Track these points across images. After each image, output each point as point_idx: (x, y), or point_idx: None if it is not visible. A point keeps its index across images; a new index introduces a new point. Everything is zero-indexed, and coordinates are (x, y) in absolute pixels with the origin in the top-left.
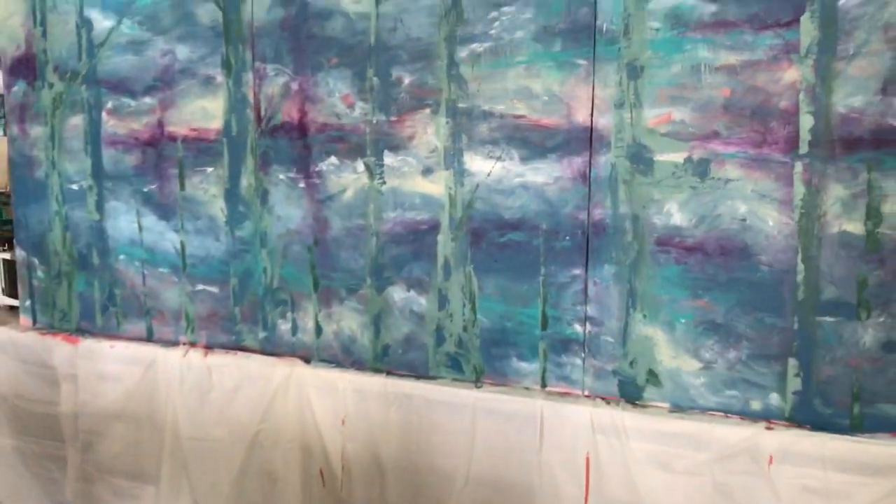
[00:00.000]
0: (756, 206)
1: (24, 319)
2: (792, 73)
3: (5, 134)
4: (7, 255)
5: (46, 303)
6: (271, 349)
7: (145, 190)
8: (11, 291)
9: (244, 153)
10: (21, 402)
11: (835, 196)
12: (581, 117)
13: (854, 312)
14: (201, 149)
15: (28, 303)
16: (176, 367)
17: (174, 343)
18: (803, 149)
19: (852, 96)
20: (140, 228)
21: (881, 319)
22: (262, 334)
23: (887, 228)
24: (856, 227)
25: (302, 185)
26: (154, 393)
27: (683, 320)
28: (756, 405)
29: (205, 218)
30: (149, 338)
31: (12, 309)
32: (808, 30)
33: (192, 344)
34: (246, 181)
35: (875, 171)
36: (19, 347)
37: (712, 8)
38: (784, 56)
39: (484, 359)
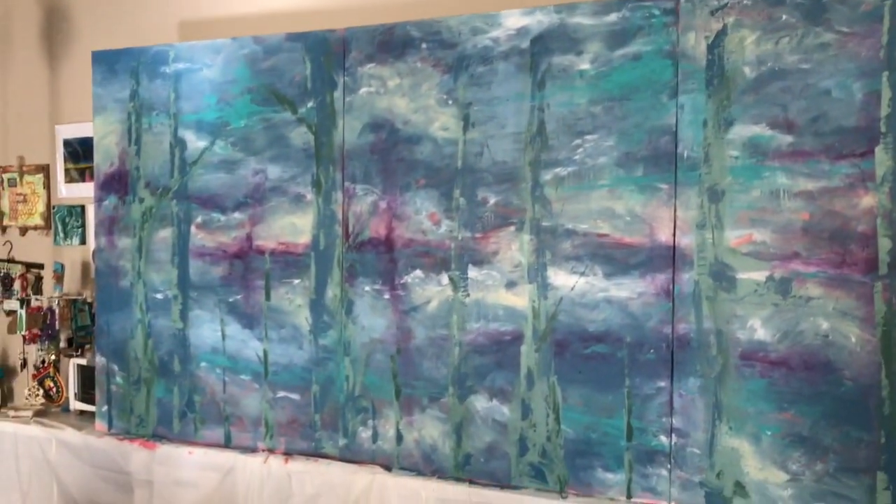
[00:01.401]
0: (838, 324)
1: (100, 424)
2: (868, 200)
3: (82, 243)
4: (81, 361)
5: (124, 408)
6: (351, 457)
7: (230, 300)
8: (84, 396)
9: (331, 266)
10: None
11: None
12: (664, 237)
13: None
14: (289, 261)
15: (105, 408)
16: (256, 473)
17: (252, 449)
18: (882, 269)
19: None
20: (223, 337)
21: None
22: (342, 441)
23: None
24: None
25: (387, 296)
26: (232, 499)
27: (769, 433)
28: None
29: (289, 327)
30: (226, 444)
31: (83, 413)
32: (882, 160)
33: (271, 450)
34: (331, 292)
35: None
36: (94, 452)
37: (789, 139)
38: (860, 184)
39: (568, 469)
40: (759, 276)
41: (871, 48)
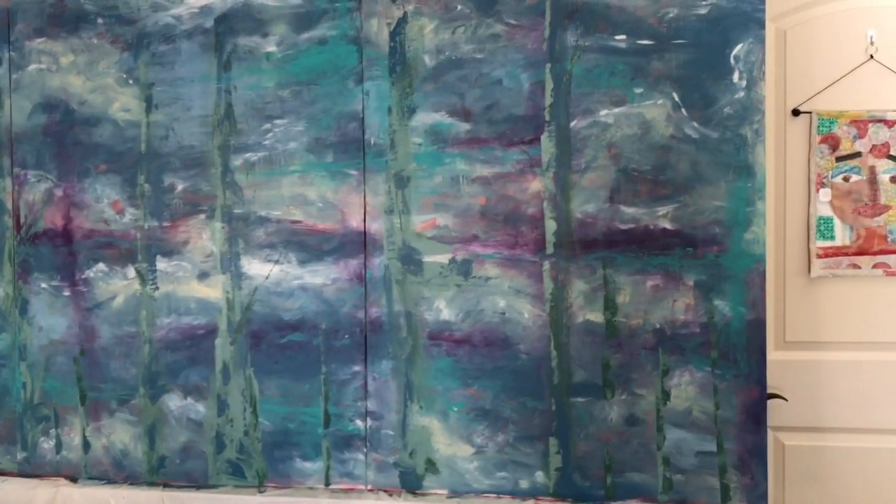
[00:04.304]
0: (513, 301)
1: None
2: (536, 184)
3: None
4: None
5: None
6: (31, 471)
7: None
8: None
9: (1, 261)
10: None
11: (578, 290)
12: (355, 222)
13: (601, 392)
14: None
15: None
16: None
17: None
18: (549, 249)
19: (586, 204)
20: None
21: (623, 397)
22: (20, 455)
23: (622, 317)
24: (597, 316)
25: (67, 293)
26: None
27: (456, 409)
28: (524, 484)
29: None
30: None
31: None
32: (547, 147)
33: None
34: (2, 291)
35: (609, 268)
36: None
37: (466, 127)
38: (529, 169)
39: (267, 462)
40: (443, 258)
41: (535, 40)
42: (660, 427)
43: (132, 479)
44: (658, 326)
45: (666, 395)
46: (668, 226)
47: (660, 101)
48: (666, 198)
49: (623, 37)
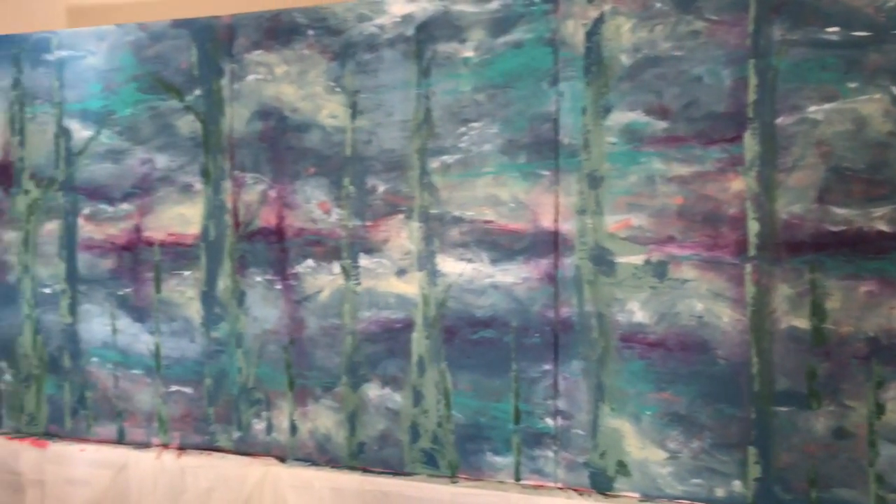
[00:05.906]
0: (711, 304)
1: None
2: (738, 184)
3: None
4: None
5: (13, 406)
6: (245, 449)
7: (120, 293)
8: None
9: (222, 257)
10: None
11: (782, 294)
12: (546, 222)
13: (806, 402)
14: (178, 253)
15: None
16: (148, 469)
17: (146, 445)
18: (751, 252)
19: (793, 204)
20: (114, 331)
21: (831, 408)
22: (236, 434)
23: (831, 324)
24: (803, 322)
25: (279, 286)
26: (125, 496)
27: (649, 412)
28: (720, 492)
29: (180, 320)
30: (119, 440)
31: None
32: (750, 145)
33: (165, 445)
34: (223, 283)
35: (817, 272)
36: None
37: (663, 125)
38: (730, 168)
39: (459, 454)
40: (637, 259)
41: (738, 36)
42: (872, 442)
43: (334, 463)
44: (871, 335)
45: (880, 409)
46: (884, 228)
47: (877, 96)
48: (882, 198)
49: (835, 29)
